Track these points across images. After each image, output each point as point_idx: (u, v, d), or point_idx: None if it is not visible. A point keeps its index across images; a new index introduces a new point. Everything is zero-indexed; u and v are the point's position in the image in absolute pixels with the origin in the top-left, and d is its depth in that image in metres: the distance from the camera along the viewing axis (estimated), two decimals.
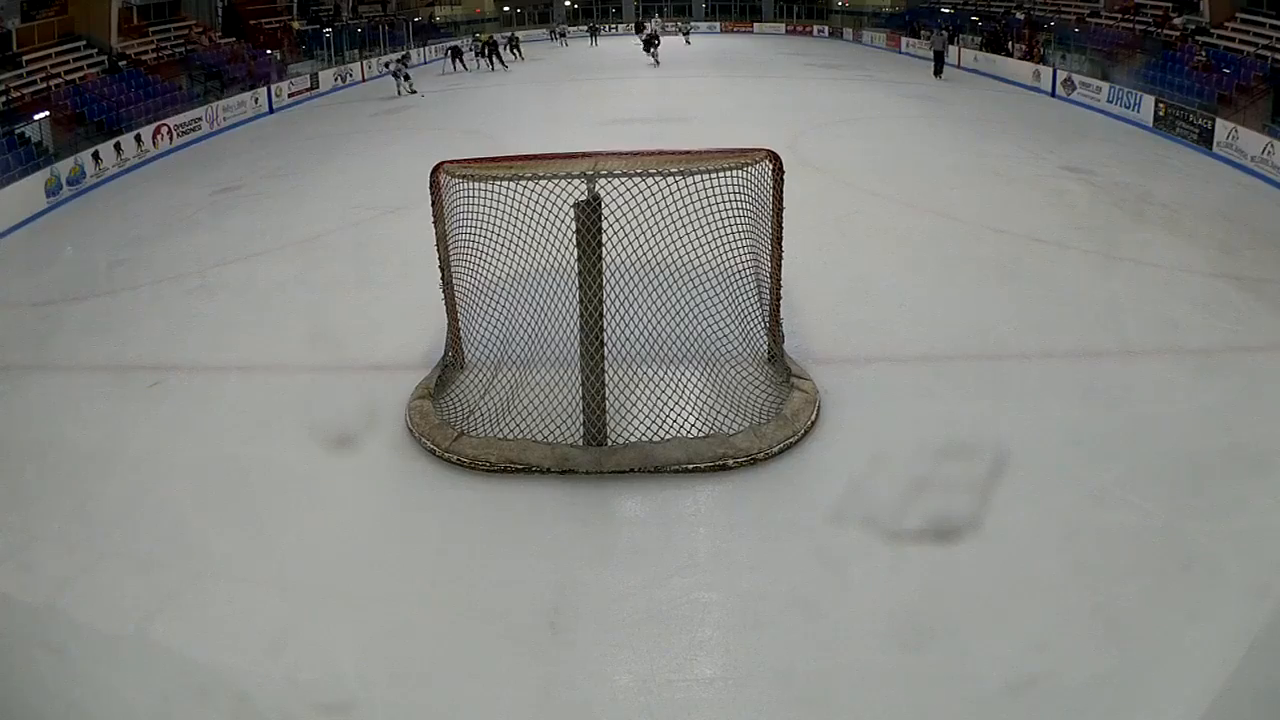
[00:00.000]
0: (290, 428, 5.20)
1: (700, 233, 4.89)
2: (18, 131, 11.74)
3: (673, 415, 4.85)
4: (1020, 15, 21.18)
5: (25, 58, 13.93)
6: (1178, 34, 15.66)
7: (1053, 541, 4.09)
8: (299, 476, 4.74)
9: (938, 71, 19.80)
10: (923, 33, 21.52)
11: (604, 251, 4.57)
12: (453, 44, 24.41)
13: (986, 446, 4.80)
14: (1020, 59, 19.04)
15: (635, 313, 4.88)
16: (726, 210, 4.92)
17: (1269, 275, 7.21)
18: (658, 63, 22.92)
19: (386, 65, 21.63)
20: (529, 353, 5.28)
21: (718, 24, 32.22)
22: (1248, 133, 11.30)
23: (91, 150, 12.22)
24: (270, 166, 12.44)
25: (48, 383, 6.04)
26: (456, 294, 5.41)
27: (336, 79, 20.66)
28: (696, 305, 5.18)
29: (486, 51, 23.31)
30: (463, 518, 4.40)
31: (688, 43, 27.54)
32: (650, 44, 23.86)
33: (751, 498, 4.47)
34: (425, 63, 24.39)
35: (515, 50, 24.65)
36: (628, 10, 33.65)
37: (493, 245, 4.98)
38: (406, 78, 18.72)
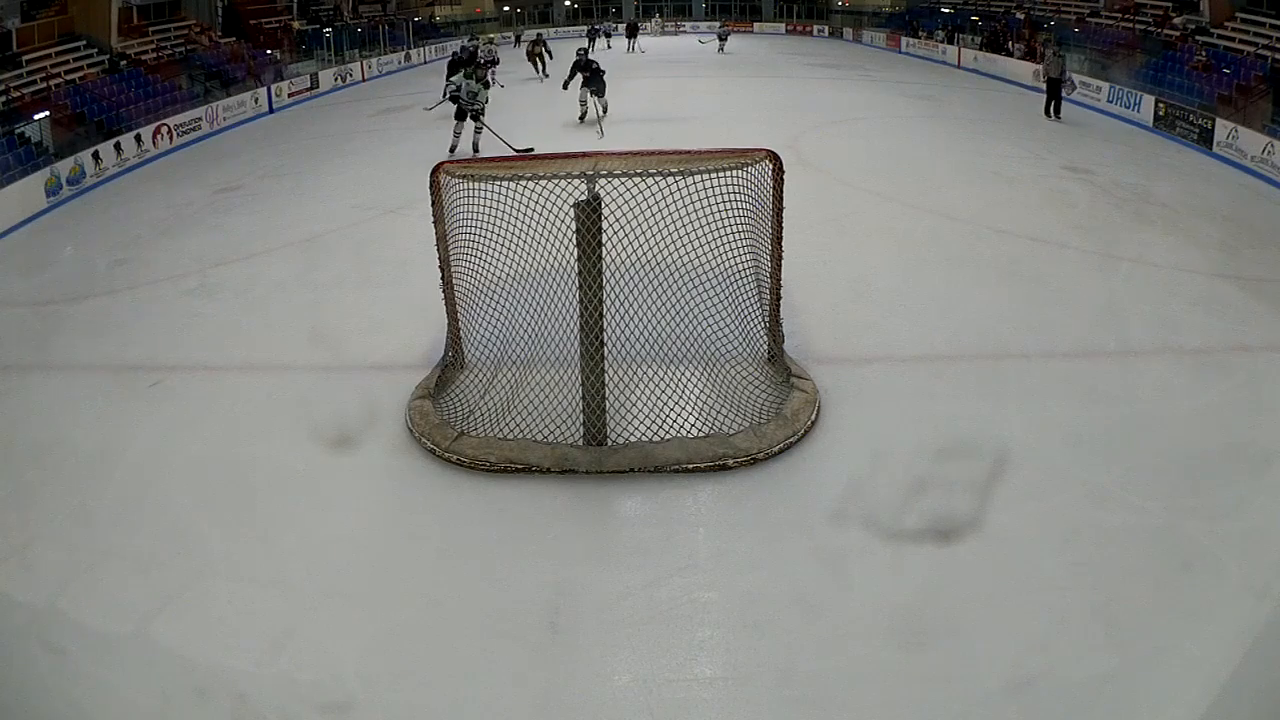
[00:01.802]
0: (290, 428, 5.20)
1: (700, 233, 4.89)
2: (18, 131, 11.72)
3: (673, 415, 4.85)
4: (1020, 15, 21.19)
5: (25, 58, 13.92)
6: (1178, 34, 15.67)
7: (1053, 541, 4.09)
8: (299, 476, 4.74)
9: (1051, 110, 13.99)
10: (1046, 52, 15.17)
11: (604, 251, 4.57)
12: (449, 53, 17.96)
13: (986, 446, 4.80)
14: (1020, 59, 19.04)
15: (635, 313, 4.88)
16: (726, 210, 4.92)
17: (1269, 275, 7.21)
18: (586, 115, 13.19)
19: (467, 66, 13.33)
20: (529, 353, 5.28)
21: (718, 23, 32.25)
22: (1248, 133, 11.31)
23: (91, 150, 12.19)
24: (270, 166, 12.42)
25: (48, 383, 6.02)
26: (456, 294, 5.40)
27: (336, 79, 20.62)
28: (696, 305, 5.18)
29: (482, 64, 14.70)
30: (463, 518, 4.40)
31: (676, 33, 26.17)
32: (591, 76, 13.12)
33: (751, 498, 4.47)
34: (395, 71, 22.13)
35: (540, 60, 19.66)
36: (627, 10, 33.60)
37: (493, 245, 4.99)
38: (477, 116, 11.12)
